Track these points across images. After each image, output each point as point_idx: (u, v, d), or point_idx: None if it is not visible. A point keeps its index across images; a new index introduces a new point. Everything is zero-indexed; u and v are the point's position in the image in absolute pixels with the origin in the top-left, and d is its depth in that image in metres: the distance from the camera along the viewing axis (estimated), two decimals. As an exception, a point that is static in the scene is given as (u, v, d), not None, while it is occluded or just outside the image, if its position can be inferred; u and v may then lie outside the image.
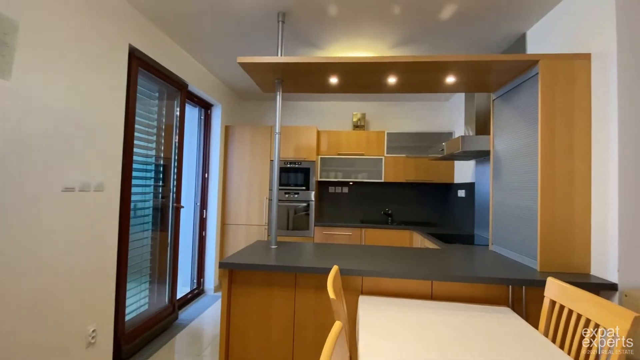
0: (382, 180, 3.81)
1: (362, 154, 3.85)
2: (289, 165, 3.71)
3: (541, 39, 2.15)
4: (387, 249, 2.16)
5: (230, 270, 1.75)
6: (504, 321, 1.35)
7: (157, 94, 2.67)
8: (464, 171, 3.49)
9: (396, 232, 3.51)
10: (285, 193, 3.70)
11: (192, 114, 3.54)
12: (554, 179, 1.70)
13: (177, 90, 2.86)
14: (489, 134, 2.60)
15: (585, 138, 1.68)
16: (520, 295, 1.60)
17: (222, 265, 1.68)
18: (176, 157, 2.89)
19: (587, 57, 1.69)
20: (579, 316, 1.19)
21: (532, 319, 1.53)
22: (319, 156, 3.89)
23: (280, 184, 3.71)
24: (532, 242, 1.79)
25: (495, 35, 2.38)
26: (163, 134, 2.75)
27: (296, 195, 3.68)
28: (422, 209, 4.09)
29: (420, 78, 2.04)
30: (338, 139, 3.90)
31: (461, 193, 3.51)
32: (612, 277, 1.52)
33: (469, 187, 3.29)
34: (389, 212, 3.96)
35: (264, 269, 1.69)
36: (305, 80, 2.12)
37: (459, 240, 2.66)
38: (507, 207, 2.06)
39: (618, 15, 1.53)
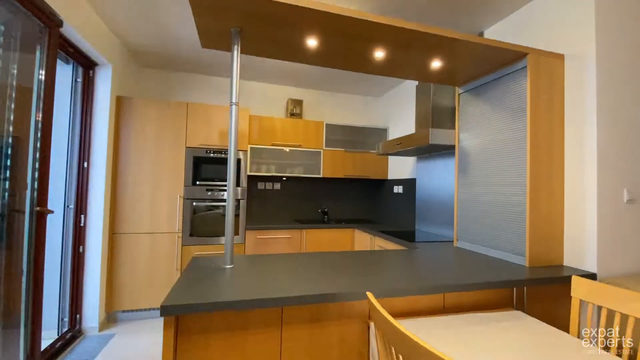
0: (321, 176, 3.48)
1: (300, 146, 3.43)
2: (212, 155, 2.96)
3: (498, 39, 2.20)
4: (368, 255, 1.83)
5: (177, 316, 1.08)
6: (530, 328, 1.22)
7: (2, 28, 1.60)
8: (400, 167, 3.50)
9: (337, 232, 3.24)
10: (208, 190, 2.94)
11: (63, 73, 2.39)
12: (538, 175, 1.69)
13: (43, 27, 1.81)
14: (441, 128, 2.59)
15: (561, 133, 1.74)
16: (522, 295, 1.52)
17: (166, 311, 1.00)
18: (39, 137, 1.83)
19: (560, 57, 1.76)
20: (623, 316, 1.12)
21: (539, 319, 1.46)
22: (250, 146, 3.26)
23: (201, 179, 2.93)
24: (512, 237, 1.76)
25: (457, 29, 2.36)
26: (13, 97, 1.69)
27: (222, 194, 2.97)
28: (356, 206, 3.96)
29: (408, 57, 1.76)
30: (272, 126, 3.36)
31: (397, 189, 3.51)
32: (590, 267, 1.59)
33: (408, 183, 3.30)
34: (325, 210, 3.67)
35: (235, 307, 1.10)
36: (272, 35, 1.57)
37: (405, 237, 2.54)
38: (477, 202, 2.02)
39: (597, 19, 1.61)
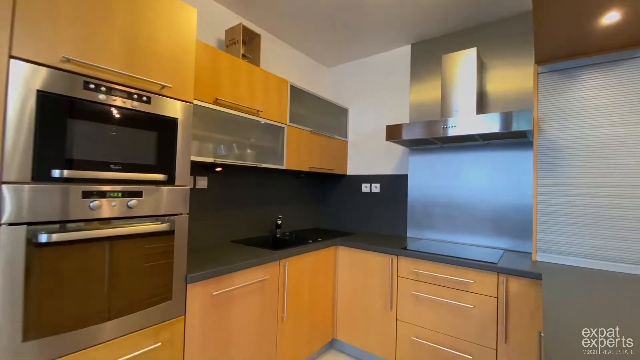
0: (284, 167, 2.16)
1: (258, 113, 1.96)
2: (103, 97, 1.09)
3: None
4: None
5: None
6: None
7: None
8: (370, 161, 2.74)
9: (320, 253, 2.09)
10: (89, 195, 1.06)
11: None
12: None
13: None
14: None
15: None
16: None
17: None
18: None
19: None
20: None
21: None
22: (196, 101, 1.49)
23: (65, 162, 1.01)
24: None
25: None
26: None
27: (131, 202, 1.16)
28: (307, 210, 2.84)
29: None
30: (215, 67, 1.72)
31: (367, 188, 2.73)
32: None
33: (390, 180, 2.61)
34: (279, 221, 2.36)
35: None
36: None
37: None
38: (584, 207, 1.66)
39: None
